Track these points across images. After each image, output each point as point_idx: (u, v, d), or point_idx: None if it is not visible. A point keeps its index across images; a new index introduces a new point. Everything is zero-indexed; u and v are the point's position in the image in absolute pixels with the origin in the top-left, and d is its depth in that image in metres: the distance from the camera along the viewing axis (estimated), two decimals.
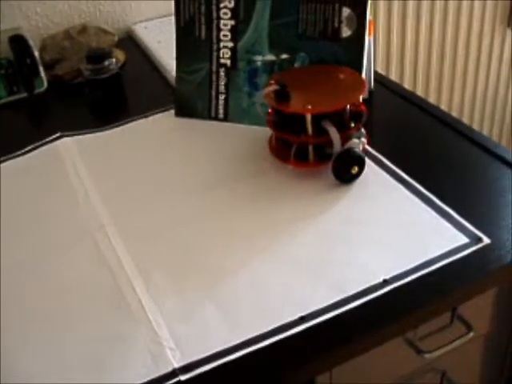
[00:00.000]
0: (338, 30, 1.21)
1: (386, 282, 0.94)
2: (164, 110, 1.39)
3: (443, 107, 2.31)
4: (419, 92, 2.24)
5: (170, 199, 1.14)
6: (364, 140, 1.16)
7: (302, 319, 0.89)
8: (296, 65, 1.25)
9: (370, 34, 1.23)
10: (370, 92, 1.37)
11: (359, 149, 1.13)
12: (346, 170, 1.12)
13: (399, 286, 0.94)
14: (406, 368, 1.10)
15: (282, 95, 1.13)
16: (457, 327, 1.08)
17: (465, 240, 1.00)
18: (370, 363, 1.00)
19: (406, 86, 2.18)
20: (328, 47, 1.22)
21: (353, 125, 1.15)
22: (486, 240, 1.00)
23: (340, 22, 1.20)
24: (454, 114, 2.37)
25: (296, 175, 1.17)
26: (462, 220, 1.04)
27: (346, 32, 1.21)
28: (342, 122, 1.14)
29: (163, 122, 1.36)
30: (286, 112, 1.13)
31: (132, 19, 1.79)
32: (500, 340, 1.22)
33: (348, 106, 1.15)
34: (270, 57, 1.26)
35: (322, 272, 0.97)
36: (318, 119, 1.11)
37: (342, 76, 1.18)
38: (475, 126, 2.47)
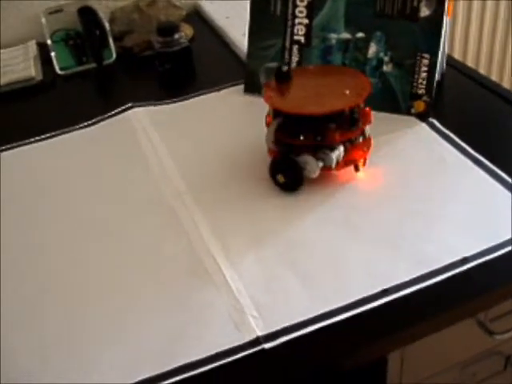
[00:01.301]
0: (416, 10, 1.20)
1: (465, 260, 0.94)
2: (234, 85, 1.40)
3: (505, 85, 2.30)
4: (481, 70, 2.23)
5: (242, 172, 1.15)
6: (320, 165, 1.07)
7: (385, 292, 0.90)
8: (372, 44, 1.24)
9: (448, 14, 1.22)
10: (442, 74, 1.36)
11: (307, 166, 1.07)
12: (273, 174, 1.09)
13: (477, 265, 0.94)
14: (474, 349, 1.10)
15: (280, 75, 1.11)
16: None
17: None
18: (441, 342, 1.01)
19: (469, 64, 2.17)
20: (405, 27, 1.22)
21: (302, 137, 1.06)
22: None
23: (419, 1, 1.20)
24: None
25: None
26: None
27: (424, 12, 1.20)
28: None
29: (233, 97, 1.36)
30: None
31: None
32: None
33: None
34: (346, 35, 1.26)
35: (402, 246, 0.97)
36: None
37: (347, 92, 1.08)
38: None
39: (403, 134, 1.20)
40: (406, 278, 0.92)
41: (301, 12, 1.27)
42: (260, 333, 0.85)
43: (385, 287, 0.90)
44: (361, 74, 1.16)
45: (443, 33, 1.21)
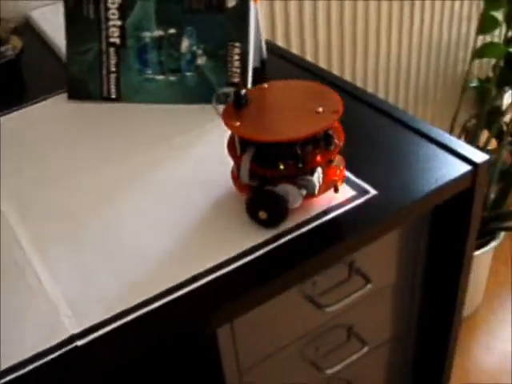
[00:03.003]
0: (222, 1, 1.24)
1: (280, 237, 0.98)
2: (59, 93, 1.40)
3: (347, 77, 2.35)
4: (322, 63, 2.26)
5: (66, 180, 1.15)
6: (304, 193, 0.99)
7: (195, 278, 0.92)
8: (184, 39, 1.27)
9: (255, 1, 1.25)
10: (263, 61, 1.39)
11: (290, 197, 0.97)
12: (252, 211, 1.00)
13: (290, 240, 0.98)
14: (310, 324, 1.14)
15: (240, 100, 1.00)
16: (356, 281, 1.12)
17: (352, 193, 1.04)
18: (273, 318, 1.05)
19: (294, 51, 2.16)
20: (214, 19, 1.25)
21: (282, 166, 0.96)
22: (373, 191, 1.04)
23: None
24: (359, 83, 2.41)
25: None
26: (349, 174, 1.08)
27: (230, 2, 1.23)
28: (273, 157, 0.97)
29: (58, 105, 1.36)
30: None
31: (29, 5, 1.78)
32: (405, 291, 1.27)
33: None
34: (158, 32, 1.28)
35: (209, 233, 1.01)
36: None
37: (320, 109, 0.97)
38: (381, 94, 2.52)
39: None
40: (217, 262, 0.95)
41: (113, 14, 1.29)
42: (73, 331, 0.86)
43: (196, 272, 0.93)
44: (323, 85, 1.05)
45: (251, 20, 1.24)
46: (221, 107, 1.01)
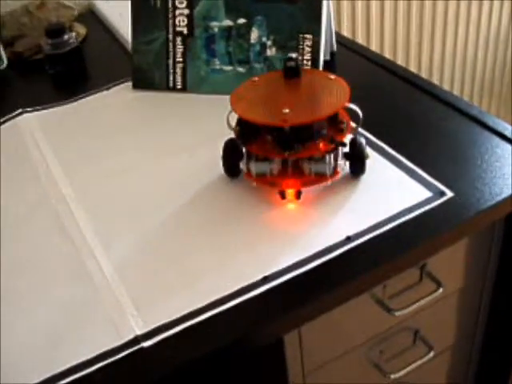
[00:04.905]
0: None
1: (349, 239, 0.93)
2: (124, 82, 1.38)
3: (412, 69, 2.30)
4: (387, 54, 2.22)
5: (131, 170, 1.13)
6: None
7: (266, 279, 0.89)
8: (254, 29, 1.23)
9: None
10: (332, 54, 1.36)
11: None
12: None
13: (363, 243, 0.94)
14: (377, 327, 1.10)
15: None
16: (426, 284, 1.08)
17: (428, 194, 1.00)
18: (340, 322, 1.01)
19: (374, 48, 2.15)
20: (285, 9, 1.21)
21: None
22: (450, 193, 0.99)
23: None
24: (424, 74, 2.36)
25: None
26: (425, 175, 1.03)
27: None
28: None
29: (122, 94, 1.34)
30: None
31: None
32: (474, 295, 1.22)
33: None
34: (227, 22, 1.25)
35: (284, 232, 0.97)
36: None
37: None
38: (446, 86, 2.47)
39: None
40: (289, 263, 0.91)
41: (181, 3, 1.26)
42: (139, 331, 0.83)
43: (267, 273, 0.89)
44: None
45: (324, 12, 1.20)
46: None
